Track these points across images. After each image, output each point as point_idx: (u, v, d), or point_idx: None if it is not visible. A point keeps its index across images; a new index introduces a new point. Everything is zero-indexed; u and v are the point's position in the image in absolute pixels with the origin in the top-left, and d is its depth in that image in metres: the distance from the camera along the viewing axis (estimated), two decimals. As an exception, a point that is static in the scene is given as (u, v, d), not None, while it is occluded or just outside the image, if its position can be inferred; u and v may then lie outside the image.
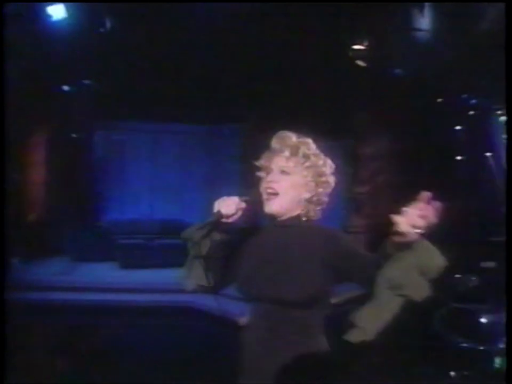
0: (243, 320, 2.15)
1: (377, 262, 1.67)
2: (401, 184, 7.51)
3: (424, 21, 7.46)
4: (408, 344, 5.37)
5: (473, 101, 13.18)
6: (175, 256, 9.08)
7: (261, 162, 2.04)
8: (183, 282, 2.07)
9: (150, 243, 9.05)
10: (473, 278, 7.20)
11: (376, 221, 7.44)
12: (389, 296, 1.62)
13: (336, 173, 2.00)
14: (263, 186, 1.97)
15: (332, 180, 1.98)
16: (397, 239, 1.54)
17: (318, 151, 1.99)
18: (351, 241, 1.89)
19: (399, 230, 1.50)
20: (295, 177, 1.96)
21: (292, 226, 1.97)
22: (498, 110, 14.35)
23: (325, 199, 1.98)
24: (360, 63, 8.07)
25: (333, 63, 7.90)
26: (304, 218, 1.99)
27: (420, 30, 7.92)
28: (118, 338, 5.92)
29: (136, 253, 8.51)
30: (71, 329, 6.27)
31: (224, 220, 1.94)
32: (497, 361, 4.98)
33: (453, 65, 9.32)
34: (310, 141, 1.99)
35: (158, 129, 11.67)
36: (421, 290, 1.58)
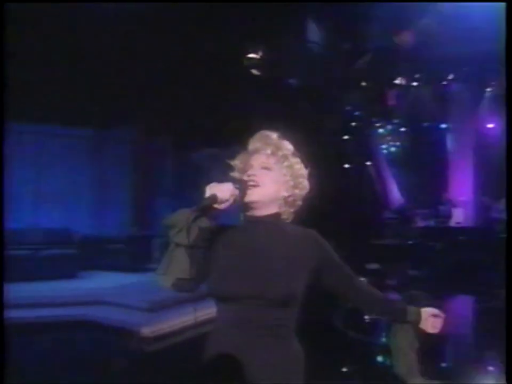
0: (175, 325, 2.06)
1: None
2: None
3: (317, 33, 7.77)
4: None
5: (356, 113, 14.06)
6: (63, 267, 8.59)
7: (236, 162, 2.01)
8: (159, 279, 1.94)
9: (37, 254, 8.55)
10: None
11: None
12: None
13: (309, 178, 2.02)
14: (243, 181, 1.94)
15: (306, 183, 1.97)
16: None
17: (296, 153, 2.00)
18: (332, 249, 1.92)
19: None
20: (275, 174, 1.94)
21: (270, 223, 1.93)
22: (377, 122, 15.43)
23: (299, 202, 1.97)
24: (255, 71, 8.24)
25: (226, 70, 7.98)
26: (281, 218, 1.96)
27: (313, 42, 8.28)
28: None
29: (22, 265, 7.96)
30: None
31: (216, 206, 1.88)
32: (380, 358, 5.37)
33: (337, 78, 9.85)
34: (288, 142, 1.99)
35: (43, 131, 11.06)
36: None
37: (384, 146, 15.77)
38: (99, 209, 10.22)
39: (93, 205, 10.22)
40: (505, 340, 2.21)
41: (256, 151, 1.95)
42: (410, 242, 11.26)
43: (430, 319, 1.94)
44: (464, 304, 8.50)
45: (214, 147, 10.52)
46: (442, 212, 12.58)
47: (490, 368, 5.12)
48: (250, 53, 8.05)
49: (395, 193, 15.40)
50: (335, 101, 10.73)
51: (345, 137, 11.22)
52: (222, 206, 1.83)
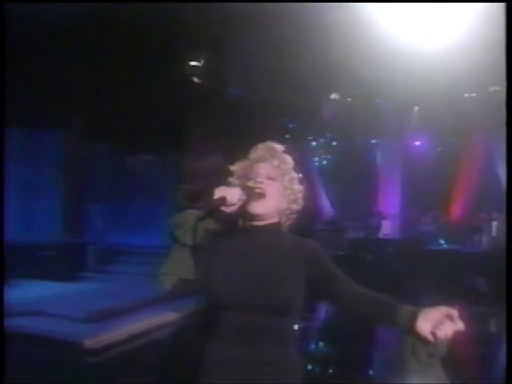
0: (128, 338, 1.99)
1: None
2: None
3: (260, 43, 7.82)
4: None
5: (291, 125, 14.31)
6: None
7: (236, 168, 1.99)
8: (161, 279, 1.87)
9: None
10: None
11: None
12: None
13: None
14: (250, 187, 1.92)
15: (302, 199, 1.98)
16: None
17: (296, 168, 2.01)
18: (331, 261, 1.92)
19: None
20: (279, 185, 1.95)
21: (271, 232, 1.93)
22: (310, 135, 15.78)
23: (294, 215, 1.99)
24: (196, 79, 8.21)
25: (167, 77, 7.90)
26: (281, 228, 1.97)
27: (254, 52, 8.33)
28: None
29: None
30: None
31: (223, 208, 1.84)
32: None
33: (276, 90, 9.98)
34: (289, 157, 2.00)
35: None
36: None
37: (316, 159, 16.25)
38: (27, 214, 9.78)
39: (21, 209, 9.78)
40: (505, 340, 2.29)
41: (261, 160, 1.95)
42: (341, 253, 11.51)
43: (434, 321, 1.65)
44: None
45: (150, 154, 10.42)
46: (372, 224, 13.01)
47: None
48: (192, 60, 8.01)
49: (326, 205, 15.83)
50: (273, 112, 10.84)
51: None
52: (229, 209, 1.82)
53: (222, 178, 2.00)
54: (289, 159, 2.00)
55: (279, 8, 7.47)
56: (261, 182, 1.90)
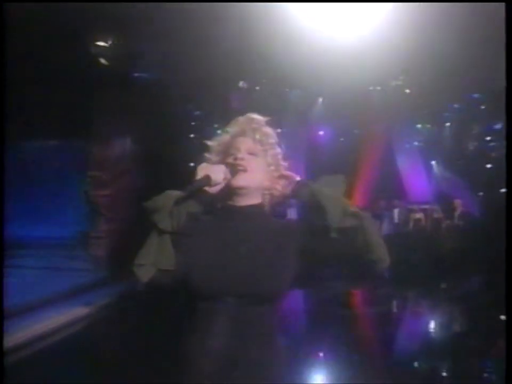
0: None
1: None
2: (146, 187, 7.48)
3: (172, 26, 7.54)
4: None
5: (197, 112, 14.05)
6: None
7: (213, 143, 1.78)
8: (137, 271, 1.61)
9: None
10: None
11: (119, 226, 7.24)
12: None
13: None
14: (231, 164, 1.71)
15: (286, 178, 1.84)
16: None
17: (279, 143, 1.86)
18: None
19: None
20: (261, 160, 1.78)
21: (254, 214, 1.76)
22: (216, 123, 15.59)
23: (278, 198, 1.85)
24: (103, 61, 7.76)
25: (73, 58, 7.40)
26: (264, 209, 1.80)
27: (165, 35, 8.02)
28: None
29: None
30: None
31: (208, 189, 1.62)
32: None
33: (184, 76, 9.72)
34: (272, 130, 1.85)
35: None
36: None
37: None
38: None
39: None
40: (505, 340, 2.29)
41: (241, 134, 1.79)
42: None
43: None
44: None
45: (52, 138, 9.74)
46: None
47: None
48: (99, 40, 7.55)
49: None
50: (180, 99, 10.59)
51: (191, 135, 11.14)
52: (213, 190, 1.64)
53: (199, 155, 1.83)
54: (272, 133, 1.85)
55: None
56: (242, 158, 1.74)
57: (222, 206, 1.81)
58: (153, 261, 1.66)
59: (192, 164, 12.45)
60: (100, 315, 6.34)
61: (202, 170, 1.70)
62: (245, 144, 1.81)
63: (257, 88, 11.61)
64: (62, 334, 5.66)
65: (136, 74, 8.37)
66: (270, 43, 8.75)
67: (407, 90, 9.77)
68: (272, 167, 1.83)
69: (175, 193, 1.68)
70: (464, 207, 10.24)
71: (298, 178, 1.83)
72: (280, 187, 1.85)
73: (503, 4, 2.60)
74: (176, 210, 1.65)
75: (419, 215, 10.22)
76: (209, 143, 1.86)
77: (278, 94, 11.66)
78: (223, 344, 1.64)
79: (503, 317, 7.53)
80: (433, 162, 12.49)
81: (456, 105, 10.62)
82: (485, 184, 10.47)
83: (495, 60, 7.46)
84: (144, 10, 7.39)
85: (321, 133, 13.95)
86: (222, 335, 1.64)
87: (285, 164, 1.87)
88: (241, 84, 11.74)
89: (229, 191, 1.76)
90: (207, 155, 1.85)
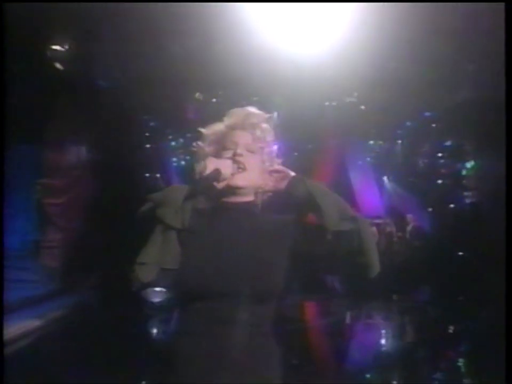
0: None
1: None
2: (100, 196, 7.34)
3: (132, 33, 7.44)
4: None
5: (152, 123, 13.87)
6: None
7: (208, 132, 1.71)
8: (140, 270, 1.50)
9: None
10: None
11: (72, 235, 7.04)
12: None
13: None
14: (229, 158, 1.64)
15: (280, 173, 1.81)
16: None
17: (275, 141, 1.83)
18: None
19: None
20: (258, 158, 1.73)
21: (248, 211, 1.70)
22: (170, 135, 15.44)
23: (271, 194, 1.82)
24: (58, 65, 7.57)
25: (28, 62, 7.19)
26: (256, 206, 1.75)
27: (124, 42, 7.90)
28: None
29: None
30: None
31: (216, 184, 1.54)
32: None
33: (142, 85, 9.61)
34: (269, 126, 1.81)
35: None
36: None
37: (174, 159, 15.92)
38: None
39: None
40: (505, 340, 2.29)
41: (239, 128, 1.73)
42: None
43: None
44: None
45: (4, 144, 9.33)
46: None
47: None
48: (55, 44, 7.36)
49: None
50: (136, 108, 10.45)
51: (147, 146, 10.99)
52: (221, 185, 1.58)
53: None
54: (270, 130, 1.82)
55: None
56: (240, 155, 1.70)
57: (215, 202, 1.77)
58: (156, 259, 1.58)
59: (147, 174, 12.32)
60: (52, 328, 6.11)
61: (211, 164, 1.65)
62: (243, 139, 1.77)
63: (213, 100, 11.58)
64: (13, 347, 5.43)
65: (92, 81, 8.19)
66: (227, 56, 8.76)
67: (362, 107, 9.96)
68: (267, 164, 1.81)
69: (182, 188, 1.62)
70: (416, 222, 10.50)
71: (293, 173, 1.81)
72: (273, 182, 1.82)
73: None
74: (184, 206, 1.60)
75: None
76: (203, 130, 1.81)
77: (234, 106, 11.65)
78: (213, 344, 1.59)
79: (451, 328, 7.76)
80: (385, 178, 12.75)
81: (408, 123, 10.90)
82: (435, 199, 10.75)
83: (449, 78, 7.72)
84: (102, 16, 7.28)
85: (275, 146, 14.02)
86: (212, 335, 1.59)
87: (278, 160, 1.85)
88: (197, 95, 11.68)
89: (226, 189, 1.72)
90: (199, 143, 1.79)
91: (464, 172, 10.07)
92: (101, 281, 7.10)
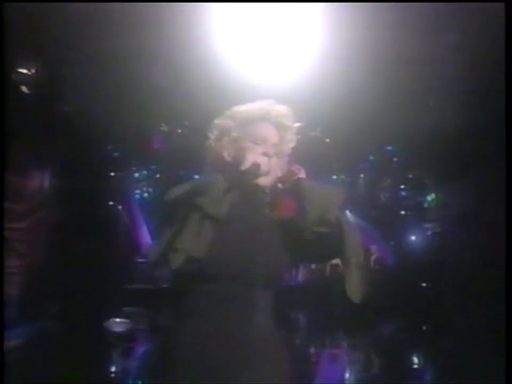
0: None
1: None
2: (63, 222, 7.20)
3: (100, 61, 7.45)
4: None
5: (115, 154, 13.75)
6: None
7: (239, 116, 1.69)
8: (172, 255, 1.45)
9: None
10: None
11: (33, 262, 6.83)
12: None
13: None
14: (264, 155, 1.63)
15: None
16: None
17: None
18: None
19: None
20: (277, 163, 1.76)
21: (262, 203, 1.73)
22: (134, 166, 15.32)
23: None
24: (24, 89, 7.48)
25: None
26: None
27: (92, 69, 7.88)
28: None
29: None
30: None
31: (254, 180, 1.53)
32: None
33: (107, 114, 9.56)
34: None
35: None
36: None
37: (138, 191, 15.79)
38: None
39: None
40: (505, 340, 2.30)
41: (263, 118, 1.74)
42: (164, 286, 11.23)
43: None
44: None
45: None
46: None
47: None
48: (21, 67, 7.29)
49: (146, 238, 15.38)
50: (99, 137, 10.37)
51: (112, 174, 10.90)
52: (259, 182, 1.59)
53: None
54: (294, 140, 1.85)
55: (127, 22, 7.21)
56: (267, 154, 1.71)
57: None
58: (188, 246, 1.57)
59: (111, 203, 12.15)
60: (10, 357, 5.84)
61: (251, 157, 1.66)
62: (271, 135, 1.79)
63: (179, 130, 11.62)
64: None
65: (58, 106, 8.12)
66: (194, 88, 8.84)
67: (327, 140, 10.17)
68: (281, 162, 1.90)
69: (222, 180, 1.63)
70: (379, 253, 10.63)
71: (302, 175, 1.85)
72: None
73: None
74: (223, 198, 1.61)
75: (335, 261, 10.44)
76: (235, 109, 1.80)
77: (200, 137, 11.68)
78: (221, 326, 1.60)
79: (415, 360, 7.79)
80: (347, 212, 12.92)
81: (371, 157, 11.17)
82: (398, 232, 10.96)
83: (411, 112, 7.96)
84: (72, 40, 7.26)
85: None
86: (220, 316, 1.61)
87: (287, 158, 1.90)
88: (163, 126, 11.69)
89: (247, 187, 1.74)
90: (214, 131, 1.80)
91: (425, 205, 10.33)
92: (63, 309, 6.88)
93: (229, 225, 1.70)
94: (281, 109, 1.88)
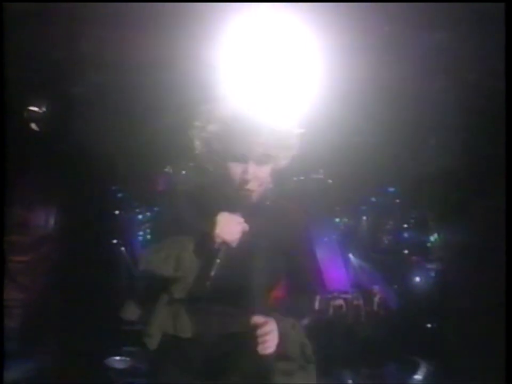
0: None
1: None
2: (66, 258, 7.21)
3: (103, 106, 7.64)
4: None
5: (120, 195, 13.82)
6: None
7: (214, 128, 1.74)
8: (146, 340, 1.47)
9: None
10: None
11: (35, 296, 6.83)
12: None
13: None
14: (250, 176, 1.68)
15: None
16: None
17: None
18: None
19: None
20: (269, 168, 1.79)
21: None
22: (138, 208, 15.37)
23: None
24: (34, 126, 7.66)
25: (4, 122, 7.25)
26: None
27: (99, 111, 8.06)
28: None
29: None
30: None
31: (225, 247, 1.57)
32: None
33: (113, 155, 9.71)
34: None
35: None
36: None
37: (141, 233, 15.78)
38: None
39: None
40: (505, 340, 2.30)
41: (259, 137, 1.82)
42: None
43: None
44: None
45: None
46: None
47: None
48: (32, 105, 7.50)
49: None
50: (104, 179, 10.49)
51: (116, 212, 10.96)
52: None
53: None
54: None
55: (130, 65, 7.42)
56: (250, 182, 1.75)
57: None
58: (165, 329, 1.59)
59: (115, 241, 12.13)
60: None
61: (220, 229, 1.67)
62: (255, 152, 1.82)
63: (183, 172, 11.74)
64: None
65: (65, 143, 8.28)
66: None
67: (330, 181, 10.26)
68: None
69: (194, 259, 1.64)
70: (382, 294, 10.54)
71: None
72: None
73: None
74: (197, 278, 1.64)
75: (339, 302, 10.36)
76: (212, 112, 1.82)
77: (204, 178, 11.80)
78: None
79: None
80: (350, 255, 12.89)
81: (373, 199, 11.22)
82: (401, 274, 10.89)
83: (412, 153, 8.05)
84: (80, 81, 7.47)
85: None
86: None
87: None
88: (167, 168, 11.83)
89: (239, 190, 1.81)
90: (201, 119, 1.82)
91: (428, 245, 10.30)
92: (63, 345, 6.82)
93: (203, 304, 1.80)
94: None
